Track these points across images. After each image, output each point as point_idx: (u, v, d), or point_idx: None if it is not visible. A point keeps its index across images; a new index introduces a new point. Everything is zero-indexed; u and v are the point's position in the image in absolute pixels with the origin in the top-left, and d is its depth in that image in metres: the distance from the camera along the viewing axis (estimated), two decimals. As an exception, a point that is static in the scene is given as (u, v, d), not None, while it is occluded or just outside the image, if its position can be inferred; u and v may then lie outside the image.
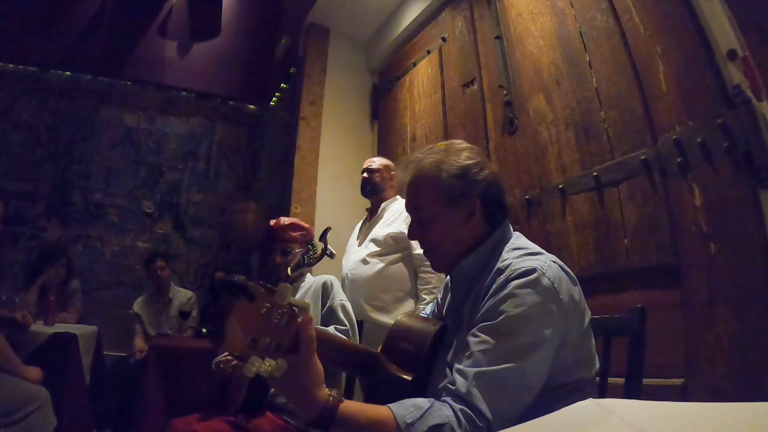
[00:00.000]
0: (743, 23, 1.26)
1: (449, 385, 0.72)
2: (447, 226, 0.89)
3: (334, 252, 1.74)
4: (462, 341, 0.79)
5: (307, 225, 1.87)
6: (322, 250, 1.76)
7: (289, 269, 1.71)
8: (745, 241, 1.19)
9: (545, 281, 0.75)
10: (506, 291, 0.76)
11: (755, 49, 1.23)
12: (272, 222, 1.85)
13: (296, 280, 1.84)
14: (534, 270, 0.76)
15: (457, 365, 0.74)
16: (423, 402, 0.70)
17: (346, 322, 1.67)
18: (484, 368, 0.71)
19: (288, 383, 0.65)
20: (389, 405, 0.70)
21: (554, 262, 0.81)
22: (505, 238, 0.90)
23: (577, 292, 0.81)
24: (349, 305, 1.73)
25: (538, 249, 0.86)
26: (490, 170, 0.91)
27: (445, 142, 0.95)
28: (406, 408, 0.69)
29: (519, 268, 0.77)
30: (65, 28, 4.17)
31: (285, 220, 1.83)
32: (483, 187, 0.89)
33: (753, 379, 1.11)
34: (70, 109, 4.17)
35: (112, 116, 4.31)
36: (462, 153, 0.91)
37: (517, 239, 0.90)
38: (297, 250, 1.75)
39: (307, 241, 1.80)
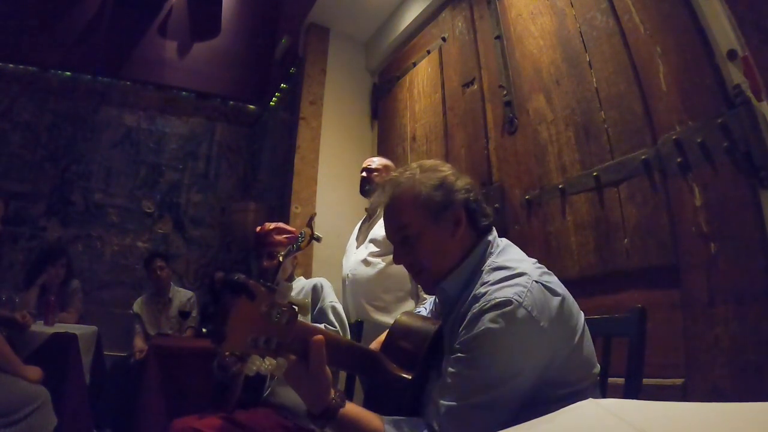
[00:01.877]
0: (743, 23, 1.26)
1: (429, 418, 0.76)
2: (436, 241, 0.86)
3: (320, 236, 1.76)
4: (443, 367, 0.80)
5: (292, 228, 1.90)
6: (309, 235, 1.77)
7: (280, 256, 1.72)
8: (745, 241, 1.19)
9: (521, 312, 0.72)
10: (481, 327, 0.73)
11: (755, 49, 1.23)
12: (258, 228, 1.88)
13: (286, 281, 1.85)
14: (509, 302, 0.73)
15: (435, 396, 0.77)
16: (416, 427, 0.75)
17: (336, 324, 1.69)
18: (455, 403, 0.72)
19: (300, 387, 0.72)
20: (385, 419, 0.75)
21: (537, 281, 0.77)
22: (487, 253, 0.87)
23: (562, 309, 0.77)
24: (339, 306, 1.74)
25: (521, 266, 0.81)
26: (464, 180, 0.90)
27: (416, 163, 0.94)
28: (399, 428, 0.74)
29: (493, 299, 0.74)
30: (65, 28, 4.17)
31: (269, 225, 1.86)
32: (464, 195, 0.88)
33: (753, 379, 1.11)
34: (70, 109, 4.17)
35: (112, 116, 4.31)
36: (436, 167, 0.91)
37: (501, 254, 0.87)
38: (283, 253, 1.77)
39: (292, 243, 1.82)
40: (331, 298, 1.75)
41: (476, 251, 0.87)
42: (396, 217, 0.89)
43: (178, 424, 1.46)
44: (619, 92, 1.58)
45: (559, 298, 0.78)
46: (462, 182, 0.89)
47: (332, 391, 0.72)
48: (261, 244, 1.83)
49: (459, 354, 0.75)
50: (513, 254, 0.87)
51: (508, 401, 0.72)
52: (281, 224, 1.90)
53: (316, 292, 1.76)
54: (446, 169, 0.91)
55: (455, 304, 0.85)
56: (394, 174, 0.92)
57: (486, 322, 0.73)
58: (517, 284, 0.76)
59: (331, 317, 1.70)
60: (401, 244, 0.89)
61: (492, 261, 0.85)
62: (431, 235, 0.86)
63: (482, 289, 0.78)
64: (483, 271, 0.83)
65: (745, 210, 1.20)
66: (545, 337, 0.74)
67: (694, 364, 1.24)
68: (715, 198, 1.27)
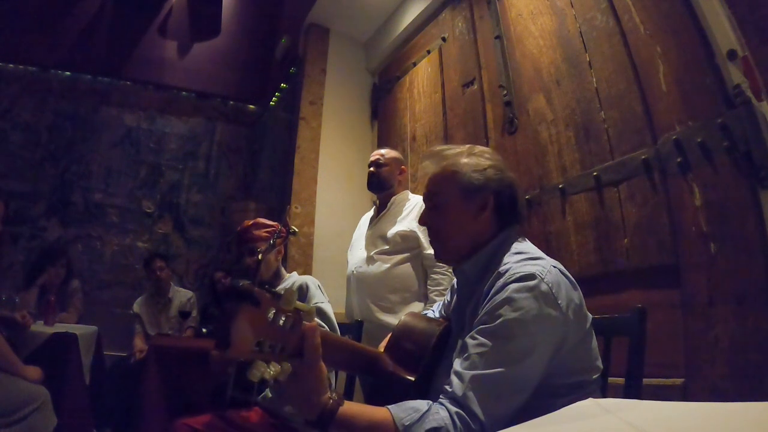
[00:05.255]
0: (743, 23, 1.26)
1: (446, 387, 0.74)
2: (458, 214, 0.91)
3: (296, 230, 1.71)
4: (463, 343, 0.80)
5: (272, 222, 1.82)
6: (285, 231, 1.71)
7: (260, 255, 1.66)
8: (745, 241, 1.19)
9: (543, 287, 0.76)
10: (504, 295, 0.76)
11: (755, 49, 1.23)
12: (238, 227, 1.83)
13: (273, 278, 1.79)
14: (533, 275, 0.77)
15: (454, 367, 0.76)
16: (421, 404, 0.72)
17: (325, 326, 1.61)
18: (480, 372, 0.72)
19: (291, 387, 0.68)
20: (388, 407, 0.71)
21: (555, 266, 0.81)
22: (508, 242, 0.91)
23: (577, 296, 0.81)
24: (326, 306, 1.65)
25: (539, 254, 0.86)
26: (508, 176, 0.95)
27: (468, 145, 1.00)
28: (405, 410, 0.70)
29: (518, 273, 0.78)
30: (65, 28, 4.17)
31: (248, 222, 1.81)
32: (499, 186, 0.92)
33: (753, 379, 1.11)
34: (70, 109, 4.17)
35: (112, 116, 4.31)
36: (485, 153, 0.97)
37: (520, 244, 0.91)
38: (261, 249, 1.70)
39: (272, 237, 1.75)
40: (316, 299, 1.66)
41: (497, 239, 0.91)
42: (432, 185, 0.96)
43: (175, 423, 1.47)
44: (619, 92, 1.58)
45: (577, 292, 0.82)
46: (505, 175, 0.94)
47: (328, 392, 0.69)
48: (242, 242, 1.78)
49: (483, 325, 0.76)
50: (531, 247, 0.91)
51: (528, 379, 0.73)
52: (260, 219, 1.84)
53: (301, 292, 1.68)
54: (494, 160, 0.96)
55: (475, 288, 0.88)
56: (442, 147, 0.99)
57: (511, 292, 0.76)
58: (538, 264, 0.80)
59: (317, 320, 1.61)
60: (430, 209, 0.96)
61: (514, 247, 0.89)
62: (456, 209, 0.92)
63: (505, 267, 0.82)
64: (504, 255, 0.87)
65: (745, 210, 1.20)
66: (562, 315, 0.76)
67: (694, 364, 1.24)
68: (715, 198, 1.27)
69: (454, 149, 0.97)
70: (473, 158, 0.94)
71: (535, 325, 0.74)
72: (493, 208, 0.92)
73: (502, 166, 0.96)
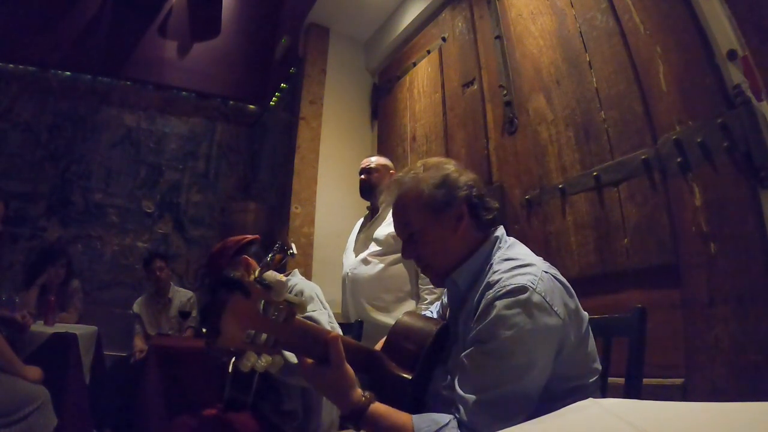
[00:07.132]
0: (743, 23, 1.26)
1: (455, 412, 0.75)
2: (438, 237, 0.89)
3: (294, 252, 1.63)
4: (458, 358, 0.80)
5: (231, 239, 1.68)
6: (282, 250, 1.63)
7: (256, 271, 1.58)
8: (745, 241, 1.19)
9: (536, 297, 0.74)
10: (496, 311, 0.75)
11: (755, 49, 1.23)
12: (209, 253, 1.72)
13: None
14: (524, 288, 0.75)
15: (458, 391, 0.75)
16: (443, 418, 0.73)
17: None
18: (483, 395, 0.72)
19: (325, 387, 0.75)
20: (413, 415, 0.75)
21: (546, 272, 0.80)
22: (496, 247, 0.90)
23: (572, 301, 0.80)
24: (318, 315, 1.55)
25: (530, 258, 0.84)
26: (467, 176, 0.93)
27: (421, 161, 0.97)
28: (425, 420, 0.73)
29: (508, 285, 0.76)
30: (65, 28, 4.17)
31: (213, 249, 1.70)
32: (466, 191, 0.90)
33: (753, 379, 1.11)
34: (70, 109, 4.16)
35: (112, 116, 4.30)
36: (439, 165, 0.94)
37: (510, 248, 0.89)
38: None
39: (235, 255, 1.62)
40: (309, 309, 1.55)
41: (485, 245, 0.90)
42: (401, 216, 0.94)
43: (175, 422, 1.47)
44: (619, 92, 1.58)
45: (572, 296, 0.81)
46: (465, 178, 0.92)
47: (358, 390, 0.74)
48: (210, 273, 1.63)
49: (479, 344, 0.76)
50: (521, 249, 0.90)
51: (533, 392, 0.73)
52: (224, 242, 1.68)
53: None
54: (450, 167, 0.93)
55: (466, 297, 0.87)
56: (399, 174, 0.96)
57: (502, 308, 0.75)
58: (528, 272, 0.78)
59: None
60: (408, 241, 0.93)
61: (502, 253, 0.87)
62: (434, 232, 0.89)
63: (495, 277, 0.80)
64: (492, 262, 0.86)
65: (745, 210, 1.20)
66: (558, 322, 0.75)
67: (694, 364, 1.24)
68: (715, 198, 1.27)
69: (408, 173, 0.94)
70: (429, 173, 0.91)
71: (532, 339, 0.73)
72: (468, 215, 0.90)
73: (458, 168, 0.93)
